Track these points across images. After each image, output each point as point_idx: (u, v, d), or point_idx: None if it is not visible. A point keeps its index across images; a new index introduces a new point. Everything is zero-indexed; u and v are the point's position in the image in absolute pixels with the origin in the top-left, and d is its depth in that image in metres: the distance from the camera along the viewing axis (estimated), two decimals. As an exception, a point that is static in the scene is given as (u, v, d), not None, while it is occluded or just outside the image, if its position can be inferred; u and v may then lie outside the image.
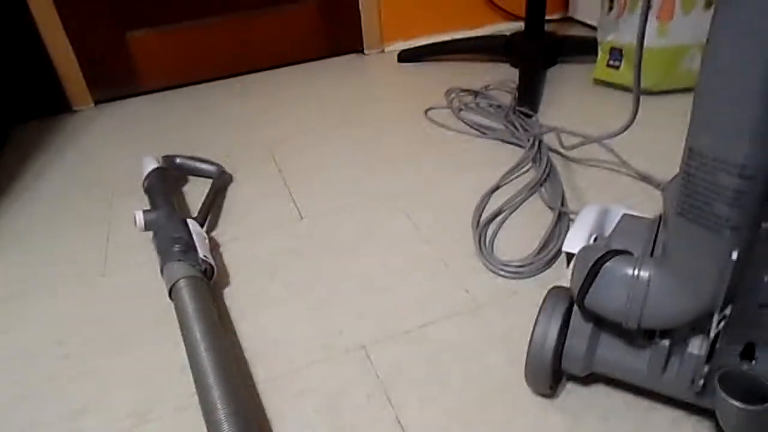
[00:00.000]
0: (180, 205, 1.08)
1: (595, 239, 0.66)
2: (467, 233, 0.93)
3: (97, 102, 1.59)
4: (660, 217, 0.62)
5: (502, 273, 0.84)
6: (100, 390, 0.72)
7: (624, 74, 1.37)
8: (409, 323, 0.77)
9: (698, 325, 0.52)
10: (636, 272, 0.52)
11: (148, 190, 1.06)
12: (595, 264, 0.54)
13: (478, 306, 0.79)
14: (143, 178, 1.09)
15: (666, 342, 0.55)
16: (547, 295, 0.63)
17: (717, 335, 0.51)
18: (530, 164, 1.10)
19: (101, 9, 1.49)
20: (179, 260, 0.82)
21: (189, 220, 0.91)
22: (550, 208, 0.97)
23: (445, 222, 0.97)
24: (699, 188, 0.45)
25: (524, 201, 1.00)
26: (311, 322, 0.79)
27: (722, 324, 0.50)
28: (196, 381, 0.66)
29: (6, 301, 0.89)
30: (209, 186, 1.11)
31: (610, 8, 1.36)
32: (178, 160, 1.17)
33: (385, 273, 0.87)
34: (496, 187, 1.04)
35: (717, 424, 0.58)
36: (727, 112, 0.40)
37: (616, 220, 0.66)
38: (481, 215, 0.97)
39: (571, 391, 0.66)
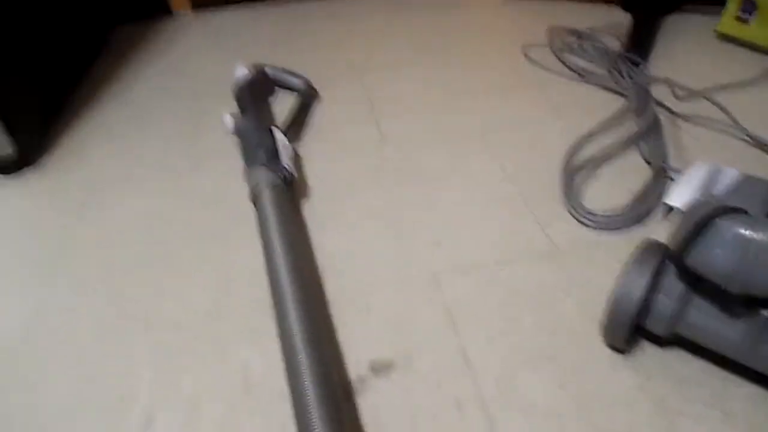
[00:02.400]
0: (267, 114, 1.09)
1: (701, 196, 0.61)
2: (554, 178, 0.89)
3: (195, 6, 1.61)
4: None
5: (586, 222, 0.80)
6: (180, 281, 0.76)
7: (754, 30, 1.23)
8: (484, 258, 0.76)
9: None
10: (751, 233, 0.47)
11: (237, 97, 1.07)
12: (705, 218, 0.50)
13: (557, 252, 0.76)
14: (234, 84, 1.10)
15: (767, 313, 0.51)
16: (639, 246, 0.59)
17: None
18: (632, 115, 1.02)
19: None
20: (262, 165, 0.83)
21: (274, 129, 0.92)
22: (648, 162, 0.90)
23: (532, 163, 0.93)
24: None
25: (621, 152, 0.94)
26: (386, 244, 0.79)
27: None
28: (271, 284, 0.68)
29: (94, 192, 0.94)
30: (296, 99, 1.11)
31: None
32: (268, 70, 1.17)
33: (464, 206, 0.85)
34: (591, 135, 0.98)
35: (807, 408, 0.54)
36: None
37: (726, 181, 0.61)
38: (571, 160, 0.92)
39: (645, 350, 0.63)
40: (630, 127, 1.00)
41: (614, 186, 0.87)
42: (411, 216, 0.84)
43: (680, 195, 0.59)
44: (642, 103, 1.04)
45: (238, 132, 0.94)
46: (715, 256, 0.49)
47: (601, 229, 0.79)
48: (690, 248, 0.51)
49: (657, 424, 0.56)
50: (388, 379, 0.62)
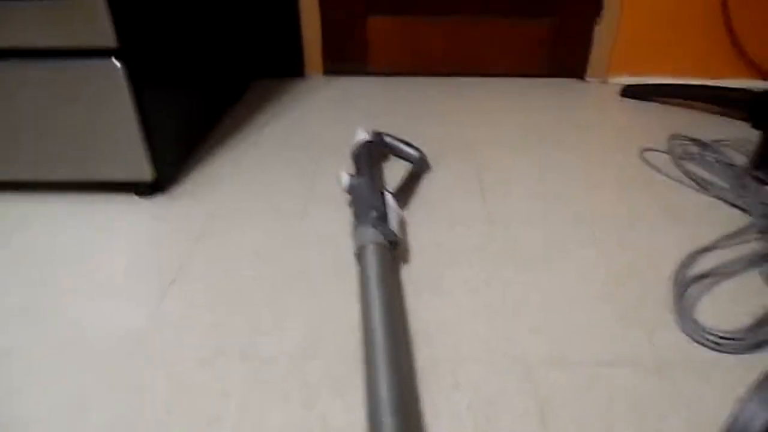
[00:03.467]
0: (379, 179, 1.14)
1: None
2: (664, 286, 0.85)
3: (326, 72, 1.75)
4: None
5: (699, 339, 0.75)
6: (277, 319, 0.79)
7: None
8: (583, 356, 0.73)
9: None
10: None
11: (355, 158, 1.14)
12: None
13: (663, 364, 0.72)
14: (354, 146, 1.17)
15: None
16: (764, 376, 0.55)
17: None
18: (756, 234, 0.97)
19: (354, -10, 1.63)
20: (372, 226, 0.86)
21: (387, 193, 0.96)
22: (773, 287, 0.85)
23: (641, 266, 0.90)
24: None
25: (740, 271, 0.89)
26: (482, 321, 0.79)
27: None
28: (365, 340, 0.69)
29: (214, 222, 1.02)
30: (408, 168, 1.15)
31: None
32: (386, 138, 1.24)
33: (566, 297, 0.83)
34: (709, 248, 0.94)
35: None
36: None
37: None
38: (685, 271, 0.88)
39: (760, 492, 0.57)
40: (752, 247, 0.94)
41: (732, 305, 0.82)
42: (510, 298, 0.83)
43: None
44: (767, 223, 0.98)
45: (352, 190, 1.00)
46: None
47: (714, 349, 0.74)
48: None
49: None
50: (470, 460, 0.60)
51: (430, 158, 1.23)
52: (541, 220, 1.02)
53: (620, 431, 0.63)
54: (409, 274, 0.89)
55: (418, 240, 0.97)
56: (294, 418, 0.64)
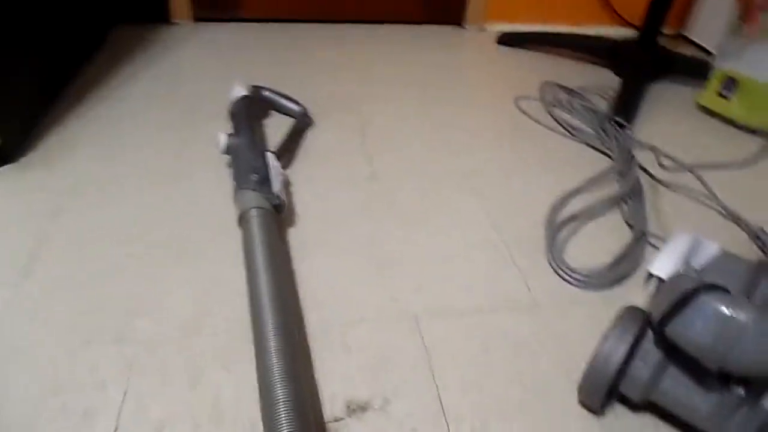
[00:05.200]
0: (260, 137, 1.09)
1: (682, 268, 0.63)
2: (538, 230, 0.91)
3: (196, 19, 1.61)
4: (762, 262, 0.58)
5: (568, 278, 0.81)
6: (156, 296, 0.74)
7: (733, 107, 1.29)
8: (464, 304, 0.77)
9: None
10: (733, 312, 0.49)
11: (232, 115, 1.07)
12: (689, 294, 0.52)
13: (537, 305, 0.77)
14: (231, 102, 1.10)
15: (741, 390, 0.53)
16: (621, 312, 0.61)
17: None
18: (617, 176, 1.06)
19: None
20: (254, 190, 0.83)
21: (268, 153, 0.92)
22: (629, 225, 0.93)
23: (517, 213, 0.95)
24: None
25: (604, 212, 0.97)
26: (369, 281, 0.79)
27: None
28: (252, 310, 0.67)
29: (74, 195, 0.92)
30: (290, 124, 1.11)
31: (739, 30, 1.27)
32: (266, 93, 1.18)
33: (448, 250, 0.86)
34: (577, 191, 1.01)
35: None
36: None
37: (706, 254, 0.64)
38: (556, 215, 0.94)
39: (619, 413, 0.64)
40: (614, 187, 1.03)
41: (596, 245, 0.89)
42: (395, 255, 0.84)
43: (663, 265, 0.61)
44: (626, 166, 1.07)
45: (231, 151, 0.94)
46: (695, 331, 0.51)
47: (581, 287, 0.81)
48: (671, 320, 0.52)
49: (625, 490, 0.56)
50: (363, 420, 0.61)
51: (313, 112, 1.19)
52: (424, 174, 1.04)
53: (499, 372, 0.67)
54: (296, 237, 0.87)
55: (303, 199, 0.95)
56: (180, 401, 0.62)
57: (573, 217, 0.94)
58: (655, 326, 0.54)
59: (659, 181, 1.06)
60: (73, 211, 0.88)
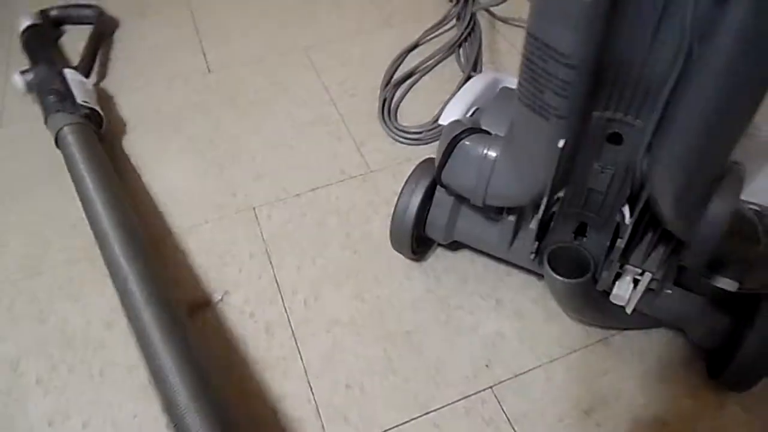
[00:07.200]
0: (59, 58, 1.02)
1: (476, 111, 0.66)
2: (375, 95, 0.92)
3: None
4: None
5: (399, 139, 0.84)
6: (-6, 242, 0.75)
7: None
8: (300, 186, 0.79)
9: (539, 204, 0.55)
10: (485, 152, 0.53)
11: (25, 48, 0.99)
12: (452, 140, 0.55)
13: (370, 171, 0.81)
14: (20, 36, 1.01)
15: (512, 218, 0.59)
16: (416, 167, 0.64)
17: (552, 215, 0.54)
18: (454, 21, 1.05)
19: None
20: (57, 111, 0.80)
21: (66, 70, 0.88)
22: (463, 72, 0.94)
23: (356, 81, 0.94)
24: (534, 74, 0.44)
25: (439, 62, 0.97)
26: (210, 180, 0.81)
27: (557, 205, 0.53)
28: (92, 228, 0.67)
29: None
30: (89, 31, 1.04)
31: None
32: (53, 13, 1.08)
33: (287, 133, 0.87)
34: (415, 46, 1.00)
35: (557, 289, 0.64)
36: (558, -4, 0.38)
37: (494, 94, 0.66)
38: (392, 76, 0.94)
39: (439, 256, 0.70)
40: (450, 34, 1.02)
41: (431, 99, 0.91)
42: (234, 148, 0.85)
43: (451, 113, 0.64)
44: (464, 7, 1.05)
45: (33, 86, 0.89)
46: (460, 175, 0.55)
47: (412, 145, 0.84)
48: (443, 168, 0.56)
49: (437, 320, 0.64)
50: (202, 319, 0.66)
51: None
52: (261, 59, 1.00)
53: (332, 243, 0.72)
54: (130, 146, 0.86)
55: (133, 108, 0.92)
56: (28, 336, 0.65)
57: (409, 74, 0.94)
58: (435, 176, 0.58)
59: (499, 18, 1.05)
60: None
